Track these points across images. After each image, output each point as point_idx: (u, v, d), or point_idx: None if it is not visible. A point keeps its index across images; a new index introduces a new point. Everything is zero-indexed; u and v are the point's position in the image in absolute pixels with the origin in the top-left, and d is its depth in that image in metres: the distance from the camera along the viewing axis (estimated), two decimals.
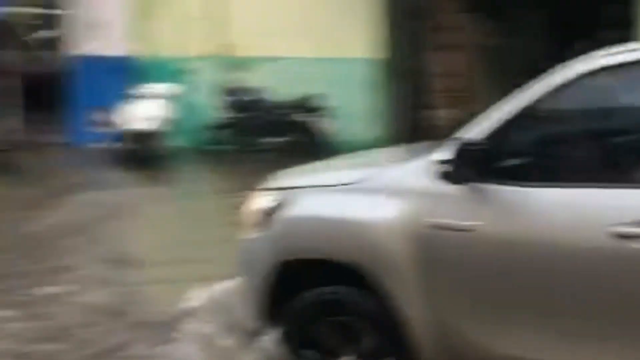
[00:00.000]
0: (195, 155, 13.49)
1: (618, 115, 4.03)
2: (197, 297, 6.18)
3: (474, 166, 3.84)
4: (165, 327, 5.64)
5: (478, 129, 3.94)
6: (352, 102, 13.59)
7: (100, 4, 14.53)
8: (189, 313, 5.88)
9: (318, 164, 5.11)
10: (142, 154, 12.73)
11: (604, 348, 3.63)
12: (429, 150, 4.15)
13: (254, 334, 4.65)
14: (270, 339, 4.55)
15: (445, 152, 3.96)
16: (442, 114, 13.83)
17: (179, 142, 13.50)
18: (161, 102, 13.15)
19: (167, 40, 14.30)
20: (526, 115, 3.90)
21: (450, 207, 3.93)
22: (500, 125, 3.91)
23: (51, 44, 15.05)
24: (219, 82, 13.95)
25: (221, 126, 13.61)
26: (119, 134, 12.94)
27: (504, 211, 3.80)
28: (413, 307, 4.04)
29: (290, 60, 13.83)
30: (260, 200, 4.61)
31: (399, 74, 13.92)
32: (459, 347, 3.97)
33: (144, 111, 12.92)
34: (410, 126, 13.54)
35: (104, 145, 13.30)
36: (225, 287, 5.75)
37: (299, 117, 13.18)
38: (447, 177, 3.94)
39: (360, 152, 5.34)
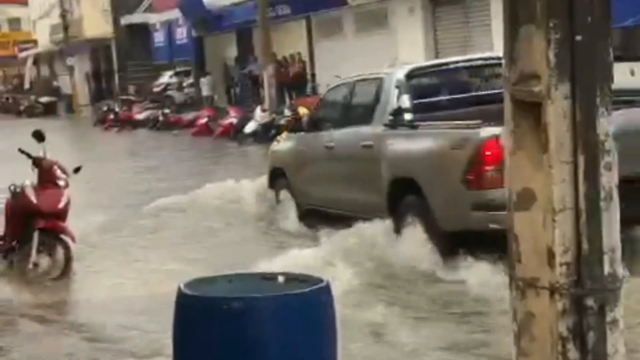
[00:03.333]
0: None
1: (345, 106, 10.01)
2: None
3: (299, 125, 11.01)
4: None
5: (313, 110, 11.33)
6: None
7: None
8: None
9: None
10: None
11: (336, 192, 9.54)
12: None
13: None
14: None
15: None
16: None
17: None
18: None
19: None
20: (322, 103, 10.81)
21: (298, 141, 10.52)
22: (316, 107, 11.06)
23: None
24: None
25: None
26: None
27: (298, 142, 10.49)
28: (296, 182, 10.35)
29: None
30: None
31: None
32: (304, 198, 10.16)
33: None
34: None
35: None
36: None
37: None
38: (289, 130, 11.51)
39: None
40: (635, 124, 7.41)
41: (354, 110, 9.77)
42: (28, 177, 9.17)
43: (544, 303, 3.06)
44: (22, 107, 46.79)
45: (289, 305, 3.61)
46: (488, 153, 7.63)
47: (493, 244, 6.75)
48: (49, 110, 45.39)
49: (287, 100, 26.62)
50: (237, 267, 6.37)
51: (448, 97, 9.60)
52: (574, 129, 2.95)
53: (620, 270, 3.06)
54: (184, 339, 3.69)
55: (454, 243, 7.69)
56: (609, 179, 2.98)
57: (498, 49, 19.75)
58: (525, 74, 3.02)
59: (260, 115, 23.76)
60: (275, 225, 10.18)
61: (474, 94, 9.57)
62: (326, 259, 7.61)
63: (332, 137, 9.74)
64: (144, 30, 41.45)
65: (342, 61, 25.82)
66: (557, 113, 2.94)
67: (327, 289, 3.73)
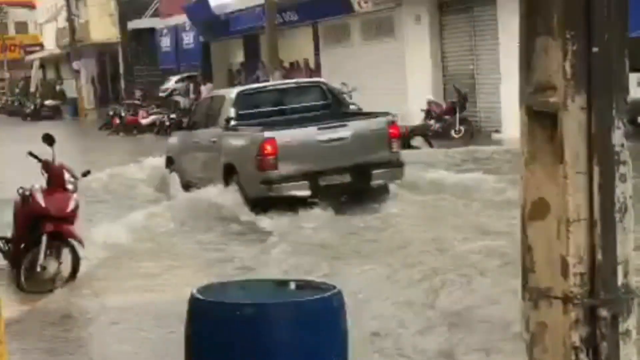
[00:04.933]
0: None
1: (206, 113, 14.53)
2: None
3: (177, 126, 19.57)
4: None
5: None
6: None
7: None
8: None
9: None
10: None
11: (197, 172, 13.91)
12: None
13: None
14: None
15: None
16: None
17: None
18: None
19: None
20: (194, 110, 16.50)
21: (180, 136, 15.13)
22: (191, 113, 16.86)
23: None
24: None
25: None
26: None
27: (180, 137, 15.02)
28: (178, 164, 14.82)
29: None
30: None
31: None
32: (183, 175, 14.52)
33: None
34: None
35: None
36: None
37: None
38: (176, 129, 17.80)
39: None
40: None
41: (209, 117, 14.01)
42: (36, 180, 9.20)
43: (557, 313, 3.07)
44: (28, 111, 46.86)
45: (301, 312, 3.63)
46: (268, 148, 11.93)
47: (276, 204, 11.82)
48: (54, 114, 45.44)
49: None
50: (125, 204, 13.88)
51: (268, 109, 13.73)
52: (590, 140, 2.97)
53: (634, 281, 3.07)
54: (195, 343, 3.70)
55: (256, 203, 12.03)
56: (624, 190, 3.00)
57: (503, 58, 19.81)
58: (541, 85, 3.04)
59: None
60: (165, 191, 14.86)
61: (286, 107, 13.82)
62: (183, 205, 12.68)
63: (197, 135, 14.09)
64: (150, 35, 41.52)
65: (349, 68, 25.86)
66: (573, 124, 2.96)
67: (339, 296, 3.75)
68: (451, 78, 23.09)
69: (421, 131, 20.01)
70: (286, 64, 28.85)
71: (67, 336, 7.56)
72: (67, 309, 8.19)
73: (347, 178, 12.26)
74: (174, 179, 14.78)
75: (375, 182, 12.40)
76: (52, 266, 8.66)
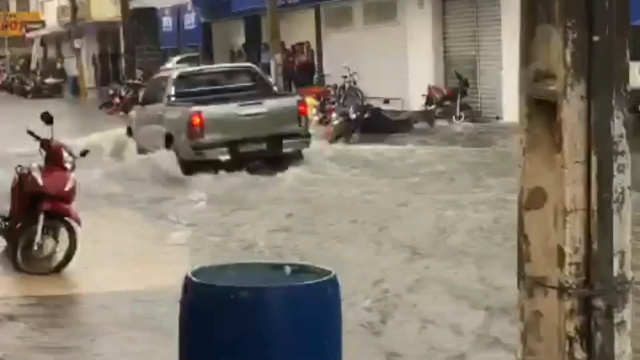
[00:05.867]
0: None
1: (154, 90, 17.25)
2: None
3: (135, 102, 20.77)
4: None
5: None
6: None
7: None
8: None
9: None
10: None
11: (147, 139, 16.48)
12: None
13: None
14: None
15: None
16: None
17: None
18: None
19: None
20: (147, 88, 19.17)
21: (138, 110, 17.62)
22: (146, 90, 19.01)
23: None
24: None
25: None
26: None
27: (137, 111, 17.95)
28: (135, 133, 17.28)
29: None
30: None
31: None
32: (138, 142, 17.00)
33: None
34: None
35: None
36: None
37: None
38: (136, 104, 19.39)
39: None
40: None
41: (157, 94, 16.57)
42: (35, 159, 9.18)
43: (552, 302, 3.06)
44: (28, 88, 46.70)
45: (296, 296, 3.62)
46: (196, 120, 14.63)
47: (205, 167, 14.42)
48: (55, 92, 45.31)
49: (294, 89, 26.59)
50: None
51: (203, 88, 16.28)
52: (588, 129, 2.95)
53: (630, 272, 3.06)
54: (190, 326, 3.70)
55: (187, 165, 14.52)
56: (622, 181, 2.98)
57: (506, 43, 19.73)
58: (541, 73, 3.02)
59: None
60: (121, 153, 17.39)
61: (218, 87, 16.46)
62: (133, 165, 15.51)
63: (148, 109, 16.63)
64: (152, 15, 41.35)
65: (351, 52, 25.77)
66: (572, 113, 2.94)
67: (334, 281, 3.74)
68: (453, 63, 23.02)
69: (424, 116, 20.02)
70: (288, 47, 28.75)
71: None
72: None
73: (262, 146, 14.97)
74: (131, 145, 17.45)
75: (286, 150, 15.01)
76: (48, 245, 8.66)
